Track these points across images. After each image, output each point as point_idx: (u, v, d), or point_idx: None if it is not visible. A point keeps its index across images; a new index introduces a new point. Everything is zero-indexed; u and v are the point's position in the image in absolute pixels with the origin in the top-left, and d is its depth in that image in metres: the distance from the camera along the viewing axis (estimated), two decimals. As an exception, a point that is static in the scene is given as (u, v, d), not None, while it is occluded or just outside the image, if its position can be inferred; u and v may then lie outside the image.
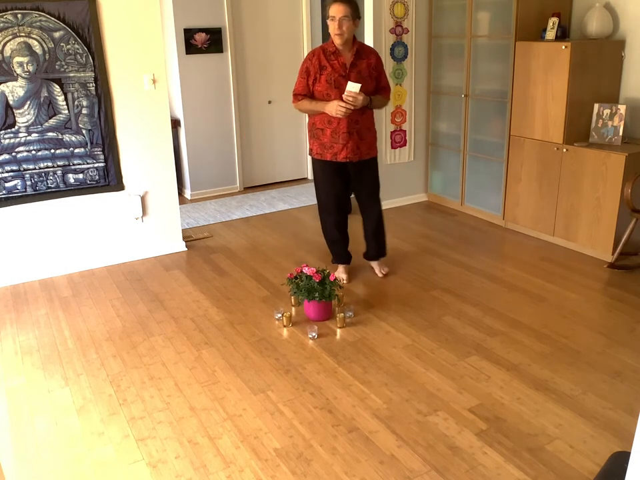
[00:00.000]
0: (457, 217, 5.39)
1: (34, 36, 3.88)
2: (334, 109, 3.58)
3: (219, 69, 5.97)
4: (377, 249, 4.15)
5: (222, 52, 5.92)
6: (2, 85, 3.88)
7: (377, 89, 3.78)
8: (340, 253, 4.13)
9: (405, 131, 5.51)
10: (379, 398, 2.80)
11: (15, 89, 3.92)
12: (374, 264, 4.19)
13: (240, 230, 5.18)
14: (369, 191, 4.00)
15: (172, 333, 3.45)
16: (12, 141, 3.98)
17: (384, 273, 4.14)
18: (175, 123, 5.93)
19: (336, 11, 3.51)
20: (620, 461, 1.68)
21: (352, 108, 3.58)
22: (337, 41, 3.59)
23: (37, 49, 3.91)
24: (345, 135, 3.69)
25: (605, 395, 2.79)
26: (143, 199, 4.49)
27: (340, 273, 4.09)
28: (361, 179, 3.94)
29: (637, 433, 1.20)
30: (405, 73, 5.34)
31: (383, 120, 5.32)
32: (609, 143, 4.32)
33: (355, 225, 4.40)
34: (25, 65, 3.91)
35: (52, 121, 4.06)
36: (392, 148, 5.47)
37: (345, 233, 4.11)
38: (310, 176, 6.81)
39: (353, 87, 3.54)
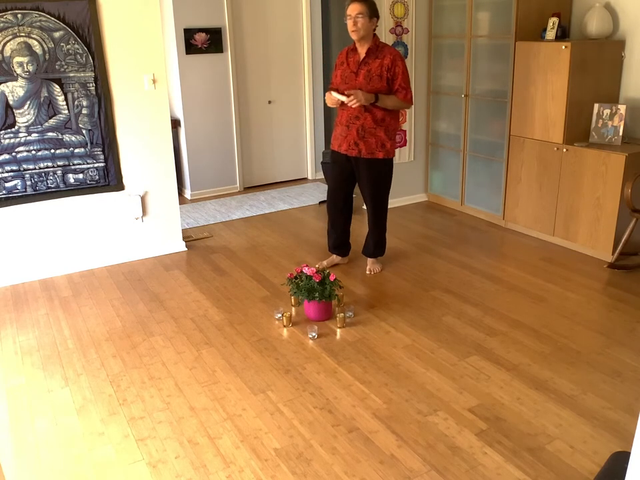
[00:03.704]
0: (457, 216, 5.39)
1: (34, 36, 3.88)
2: (326, 98, 3.90)
3: (219, 69, 5.97)
4: (370, 247, 4.23)
5: (222, 52, 5.92)
6: (2, 84, 3.88)
7: (390, 90, 3.81)
8: (330, 243, 4.32)
9: (405, 130, 5.51)
10: (378, 398, 2.80)
11: (15, 89, 3.92)
12: (368, 260, 4.25)
13: (240, 230, 5.18)
14: (367, 192, 4.05)
15: (172, 333, 3.45)
16: (12, 140, 3.98)
17: (371, 271, 4.18)
18: (175, 123, 5.93)
19: (351, 9, 3.71)
20: (620, 461, 1.68)
21: (348, 102, 3.73)
22: (354, 37, 3.77)
23: (37, 48, 3.91)
24: (344, 128, 3.91)
25: (605, 395, 2.79)
26: (143, 199, 4.49)
27: (325, 260, 4.30)
28: (360, 178, 4.03)
29: (637, 432, 1.20)
30: (405, 73, 5.34)
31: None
32: (609, 142, 4.32)
33: (359, 225, 4.40)
34: (25, 65, 3.91)
35: (52, 121, 4.06)
36: (392, 148, 5.46)
37: (340, 227, 4.22)
38: (310, 176, 6.83)
39: (336, 97, 3.79)
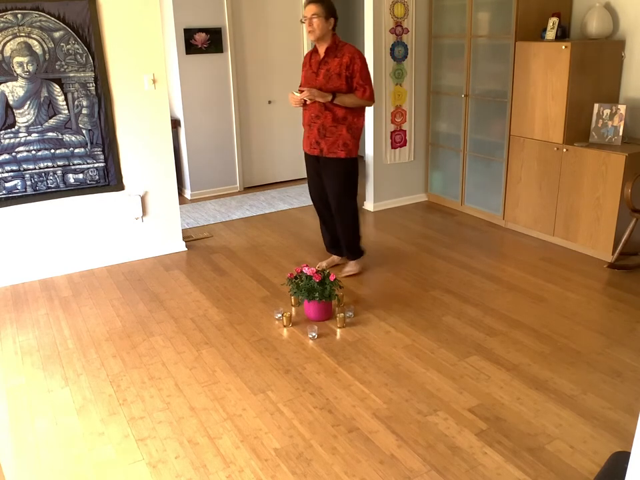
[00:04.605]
0: (457, 217, 5.39)
1: (34, 36, 3.88)
2: (289, 99, 3.91)
3: (219, 69, 5.97)
4: (344, 248, 4.19)
5: (222, 52, 5.92)
6: (2, 84, 3.88)
7: (350, 89, 3.80)
8: (326, 243, 4.34)
9: (405, 130, 5.51)
10: (378, 398, 2.80)
11: (14, 89, 3.92)
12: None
13: (240, 230, 5.18)
14: (331, 192, 4.00)
15: (172, 333, 3.45)
16: (12, 140, 3.98)
17: (346, 273, 4.12)
18: (175, 123, 5.93)
19: (307, 10, 3.74)
20: (620, 461, 1.68)
21: (301, 97, 3.78)
22: (310, 38, 3.83)
23: (37, 48, 3.91)
24: (306, 127, 3.96)
25: (605, 395, 2.79)
26: (143, 199, 4.49)
27: (324, 261, 4.28)
28: (323, 177, 4.01)
29: (637, 432, 1.20)
30: (405, 72, 5.34)
31: (382, 120, 5.33)
32: (609, 142, 4.32)
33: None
34: (25, 65, 3.91)
35: (52, 121, 4.06)
36: (392, 148, 5.47)
37: (332, 225, 4.20)
38: (310, 176, 6.82)
39: (296, 95, 3.83)
